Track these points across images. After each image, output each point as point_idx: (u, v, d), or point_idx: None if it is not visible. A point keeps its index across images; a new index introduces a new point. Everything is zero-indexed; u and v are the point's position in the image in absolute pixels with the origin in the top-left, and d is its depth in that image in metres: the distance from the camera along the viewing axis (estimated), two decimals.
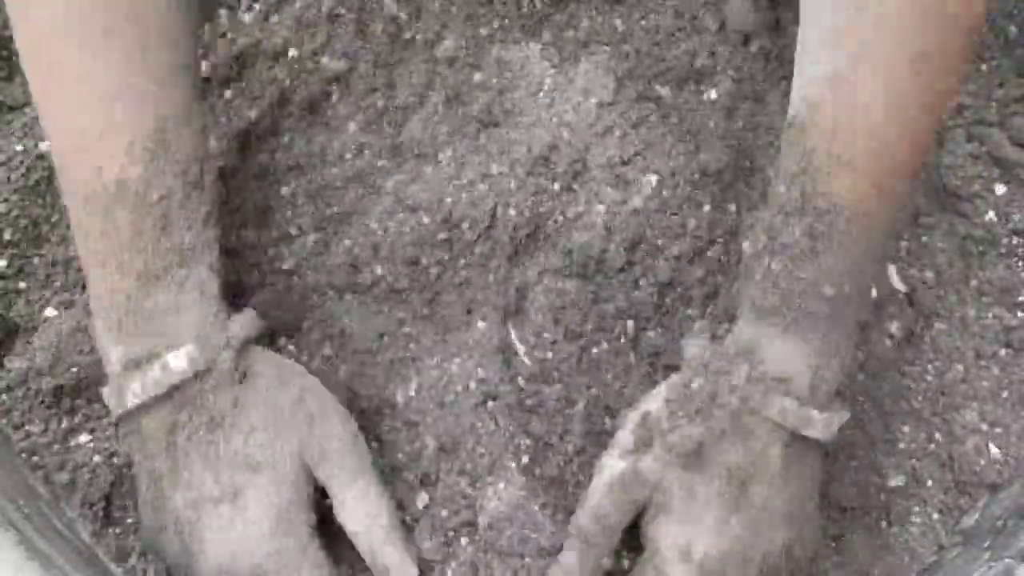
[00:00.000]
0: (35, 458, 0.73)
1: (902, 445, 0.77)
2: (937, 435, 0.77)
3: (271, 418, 0.64)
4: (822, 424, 0.63)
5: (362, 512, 0.65)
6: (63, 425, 0.75)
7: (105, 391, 0.64)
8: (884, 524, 0.76)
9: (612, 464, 0.64)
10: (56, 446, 0.74)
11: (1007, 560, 0.66)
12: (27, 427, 0.74)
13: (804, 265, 0.62)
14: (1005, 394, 0.78)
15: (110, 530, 0.73)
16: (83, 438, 0.75)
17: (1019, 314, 0.80)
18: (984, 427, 0.77)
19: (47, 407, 0.75)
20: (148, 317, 0.61)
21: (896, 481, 0.76)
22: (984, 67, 0.86)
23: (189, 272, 0.62)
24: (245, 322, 0.64)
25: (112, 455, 0.74)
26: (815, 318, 0.62)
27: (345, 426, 0.67)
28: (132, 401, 0.61)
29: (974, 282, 0.82)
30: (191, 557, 0.64)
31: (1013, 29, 0.86)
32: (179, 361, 0.60)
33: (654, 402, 0.65)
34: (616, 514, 0.63)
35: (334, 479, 0.65)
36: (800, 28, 0.65)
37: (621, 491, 0.63)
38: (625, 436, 0.65)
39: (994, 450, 0.76)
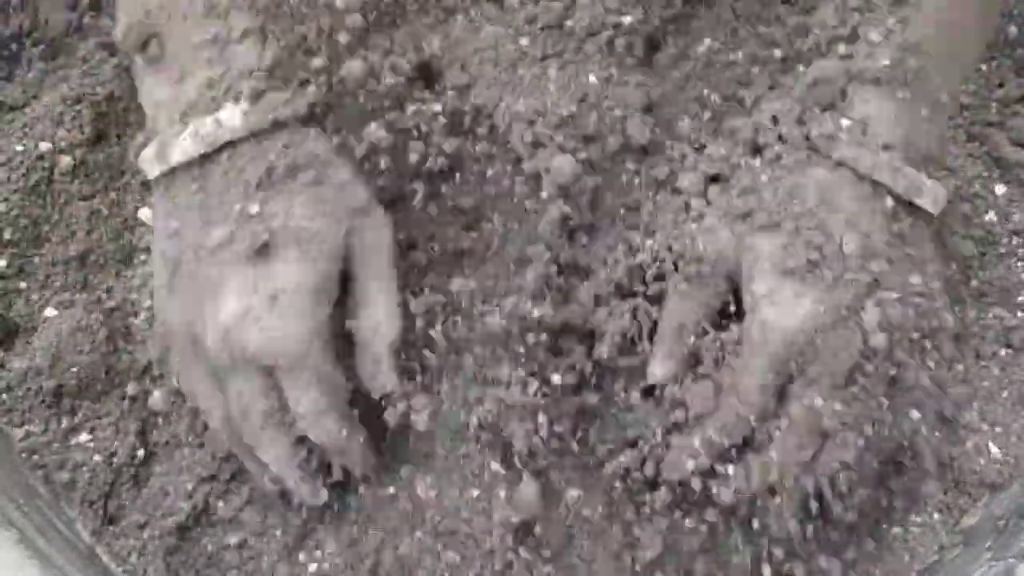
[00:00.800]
0: (35, 458, 0.73)
1: None
2: (937, 435, 0.77)
3: (318, 195, 0.60)
4: (931, 193, 0.61)
5: (374, 321, 0.63)
6: (63, 425, 0.75)
7: (146, 153, 0.61)
8: (884, 524, 0.75)
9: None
10: (56, 446, 0.74)
11: (1008, 560, 0.66)
12: (27, 427, 0.74)
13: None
14: (1005, 394, 0.78)
15: (110, 530, 0.73)
16: (83, 438, 0.75)
17: (1019, 314, 0.80)
18: (984, 427, 0.76)
19: (47, 407, 0.75)
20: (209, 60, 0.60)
21: None
22: (984, 67, 0.86)
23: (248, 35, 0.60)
24: (302, 98, 0.62)
25: (112, 455, 0.74)
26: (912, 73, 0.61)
27: (385, 227, 0.64)
28: (177, 159, 0.59)
29: (974, 282, 0.82)
30: (200, 315, 0.60)
31: (1013, 29, 0.86)
32: (232, 119, 0.58)
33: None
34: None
35: (360, 278, 0.63)
36: None
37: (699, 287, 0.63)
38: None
39: (994, 450, 0.76)
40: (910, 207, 0.62)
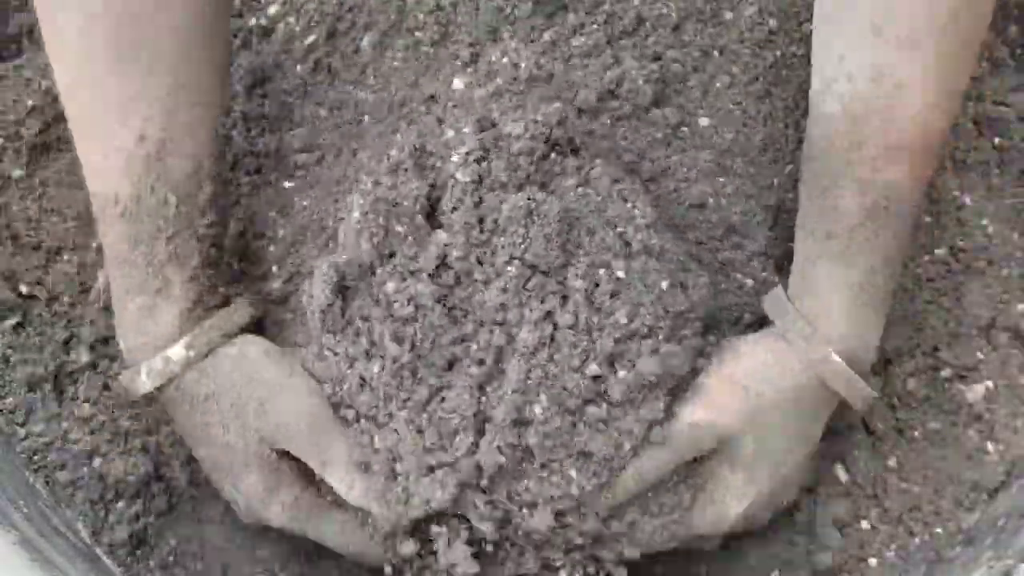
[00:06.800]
0: (35, 458, 0.73)
1: None
2: None
3: (235, 407, 0.66)
4: (862, 397, 0.66)
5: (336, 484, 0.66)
6: (63, 425, 0.75)
7: (122, 377, 0.69)
8: None
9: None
10: (56, 446, 0.74)
11: (1007, 561, 0.66)
12: (27, 427, 0.74)
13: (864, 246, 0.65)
14: (1005, 394, 0.78)
15: (110, 530, 0.73)
16: (84, 437, 0.75)
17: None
18: (984, 427, 0.76)
19: (49, 407, 0.75)
20: (140, 318, 0.67)
21: None
22: (984, 64, 0.86)
23: (168, 281, 0.67)
24: (228, 314, 0.68)
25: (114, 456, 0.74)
26: (869, 293, 0.66)
27: (300, 402, 0.66)
28: (144, 389, 0.67)
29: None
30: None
31: (1013, 29, 0.86)
32: (176, 354, 0.66)
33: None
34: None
35: (303, 455, 0.66)
36: (821, 23, 0.65)
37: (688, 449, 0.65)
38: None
39: (994, 450, 0.76)
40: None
